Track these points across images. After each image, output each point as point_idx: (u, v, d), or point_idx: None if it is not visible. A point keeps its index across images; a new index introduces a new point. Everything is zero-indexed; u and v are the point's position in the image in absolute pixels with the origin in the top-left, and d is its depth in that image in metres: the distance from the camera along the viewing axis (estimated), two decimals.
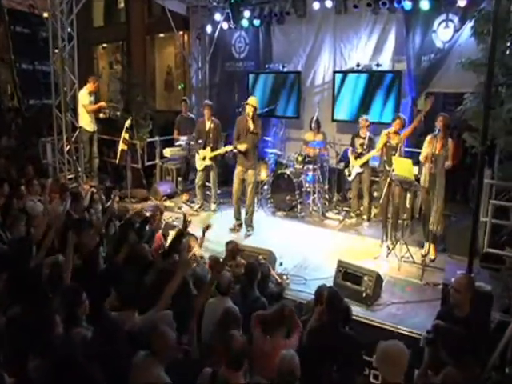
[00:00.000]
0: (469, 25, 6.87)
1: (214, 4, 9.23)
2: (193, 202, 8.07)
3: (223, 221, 7.06)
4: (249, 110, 6.34)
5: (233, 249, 4.53)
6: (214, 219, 7.32)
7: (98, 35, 15.52)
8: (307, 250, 6.02)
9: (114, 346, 2.61)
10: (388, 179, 5.70)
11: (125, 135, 6.79)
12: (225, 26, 9.28)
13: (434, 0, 7.11)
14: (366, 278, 4.57)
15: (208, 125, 7.44)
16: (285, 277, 4.98)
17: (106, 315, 3.06)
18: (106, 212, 5.34)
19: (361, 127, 7.11)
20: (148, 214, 5.65)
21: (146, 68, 14.45)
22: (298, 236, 6.61)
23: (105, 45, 15.99)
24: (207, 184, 7.90)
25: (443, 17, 7.28)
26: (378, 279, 4.63)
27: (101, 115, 7.51)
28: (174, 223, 6.85)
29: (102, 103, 7.52)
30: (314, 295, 3.82)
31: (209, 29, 9.60)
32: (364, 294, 4.53)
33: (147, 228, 5.20)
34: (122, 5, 15.46)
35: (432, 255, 5.83)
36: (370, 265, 5.60)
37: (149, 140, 8.84)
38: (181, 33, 11.99)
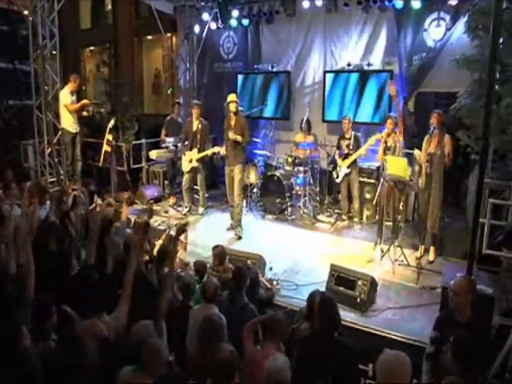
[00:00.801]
0: (460, 23, 6.82)
1: (202, 4, 9.03)
2: (180, 205, 7.82)
3: (211, 224, 6.83)
4: (232, 107, 6.32)
5: (219, 253, 4.29)
6: (202, 223, 7.08)
7: (85, 37, 15.31)
8: (298, 254, 5.81)
9: (81, 359, 2.36)
10: (382, 179, 5.52)
11: (108, 136, 6.53)
12: (213, 25, 9.09)
13: None
14: (360, 283, 4.36)
15: (196, 125, 7.22)
16: (275, 282, 4.75)
17: (73, 326, 2.79)
18: (88, 216, 5.10)
19: (345, 128, 6.97)
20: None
21: (133, 71, 14.25)
22: (288, 240, 6.40)
23: (92, 47, 15.77)
24: (195, 187, 7.67)
25: (435, 15, 7.17)
26: (373, 283, 4.42)
27: (84, 113, 7.22)
28: (161, 227, 6.59)
29: (85, 101, 7.24)
30: (305, 302, 3.59)
31: (197, 29, 9.40)
32: (358, 300, 4.31)
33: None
34: (109, 7, 15.27)
35: (431, 257, 5.66)
36: (364, 268, 5.40)
37: (135, 142, 8.58)
38: (169, 35, 11.84)
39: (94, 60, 15.76)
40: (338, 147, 7.05)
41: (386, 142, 5.90)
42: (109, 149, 6.59)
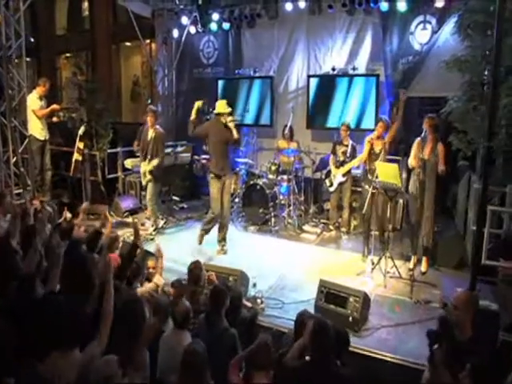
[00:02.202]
0: (447, 26, 6.68)
1: (181, 7, 8.69)
2: (158, 217, 7.37)
3: (192, 238, 6.27)
4: (223, 119, 5.80)
5: (196, 269, 3.88)
6: (182, 236, 6.62)
7: (61, 44, 14.84)
8: (283, 268, 5.41)
9: None
10: (371, 188, 5.20)
11: (79, 144, 6.07)
12: (192, 30, 8.75)
13: (411, 1, 6.81)
14: (351, 300, 3.99)
15: (150, 134, 6.57)
16: (259, 300, 4.34)
17: (33, 365, 2.32)
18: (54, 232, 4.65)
19: (343, 135, 6.62)
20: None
21: (111, 78, 13.85)
22: (272, 252, 6.01)
23: (68, 54, 15.31)
24: (175, 198, 7.22)
25: (421, 18, 6.99)
26: (366, 300, 4.05)
27: (54, 119, 6.71)
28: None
29: (55, 106, 6.72)
30: (293, 323, 3.21)
31: (175, 33, 9.04)
32: (350, 318, 3.93)
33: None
34: (86, 12, 14.87)
35: (424, 268, 5.37)
36: (354, 282, 5.06)
37: (110, 151, 8.11)
38: (148, 41, 11.48)
39: (70, 67, 15.27)
40: (334, 152, 6.71)
41: (372, 146, 5.60)
42: (79, 157, 6.12)
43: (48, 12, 14.92)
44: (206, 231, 6.07)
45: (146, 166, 6.55)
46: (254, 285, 4.64)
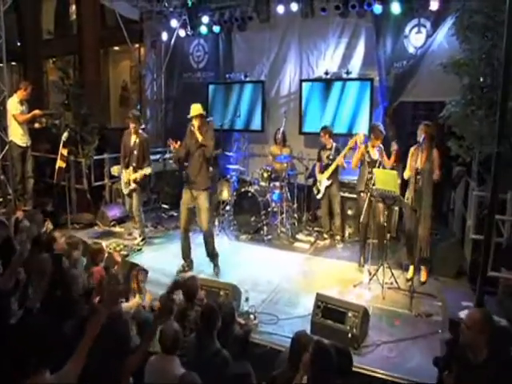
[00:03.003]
0: (442, 30, 6.55)
1: (170, 9, 8.47)
2: (146, 226, 7.10)
3: (178, 248, 5.72)
4: (195, 122, 5.14)
5: (192, 286, 3.61)
6: (169, 247, 6.30)
7: (48, 48, 14.54)
8: (277, 280, 5.18)
9: None
10: (368, 195, 5.00)
11: (62, 151, 5.77)
12: (182, 33, 8.54)
13: (406, 4, 6.67)
14: (350, 315, 3.76)
15: (133, 139, 6.26)
16: (252, 316, 4.09)
17: None
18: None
19: (324, 141, 6.47)
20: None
21: (99, 83, 13.54)
22: (265, 263, 5.76)
23: (55, 58, 15.01)
24: (165, 206, 6.94)
25: (415, 21, 6.86)
26: (365, 315, 3.83)
27: (36, 125, 6.39)
28: (123, 253, 5.87)
29: (36, 111, 6.39)
30: (289, 342, 2.97)
31: (164, 36, 8.81)
32: (349, 335, 3.70)
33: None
34: (74, 16, 14.61)
35: (423, 278, 5.20)
36: (350, 294, 4.87)
37: (97, 157, 7.82)
38: (137, 45, 11.24)
39: (57, 72, 14.94)
40: (319, 159, 6.53)
41: (368, 153, 5.41)
42: (63, 165, 5.82)
43: (34, 16, 14.60)
44: (182, 250, 5.49)
45: (130, 175, 6.19)
46: (247, 299, 4.39)
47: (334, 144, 6.40)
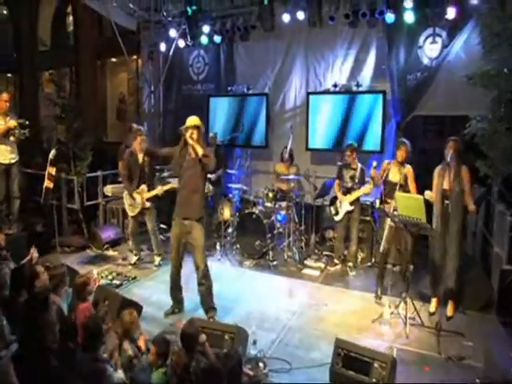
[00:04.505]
0: (459, 40, 6.14)
1: (169, 19, 8.06)
2: (141, 249, 6.59)
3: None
4: (191, 133, 4.31)
5: (192, 337, 3.09)
6: (161, 276, 5.66)
7: (44, 60, 14.16)
8: (286, 316, 4.64)
9: None
10: (389, 221, 4.50)
11: (50, 169, 5.28)
12: (181, 43, 8.10)
13: (420, 12, 6.25)
14: (376, 365, 3.22)
15: (141, 157, 5.84)
16: (261, 364, 3.55)
17: None
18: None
19: (348, 158, 5.87)
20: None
21: (96, 95, 13.19)
22: (272, 294, 5.21)
23: (51, 70, 14.62)
24: (163, 226, 6.44)
25: (430, 31, 6.43)
26: (393, 366, 3.29)
27: (11, 138, 5.83)
28: (115, 282, 5.35)
29: (10, 123, 5.80)
30: None
31: (162, 47, 8.38)
32: None
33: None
34: (71, 28, 14.28)
35: (450, 312, 4.67)
36: (369, 332, 4.36)
37: (90, 175, 7.32)
38: (134, 57, 10.87)
39: (53, 84, 14.57)
40: (340, 177, 5.99)
41: (387, 173, 4.91)
42: (51, 185, 5.32)
43: (31, 27, 14.27)
44: (171, 288, 4.69)
45: (143, 194, 5.80)
46: (254, 342, 3.84)
47: (360, 165, 5.86)
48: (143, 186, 5.83)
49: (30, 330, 3.23)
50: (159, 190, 5.81)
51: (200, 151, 4.28)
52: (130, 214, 5.99)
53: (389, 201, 4.80)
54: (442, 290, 4.67)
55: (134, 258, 6.16)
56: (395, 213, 4.34)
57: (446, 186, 4.39)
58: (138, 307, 4.19)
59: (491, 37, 4.48)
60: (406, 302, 4.44)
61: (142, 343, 3.53)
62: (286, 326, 4.40)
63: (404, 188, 4.70)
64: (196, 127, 4.34)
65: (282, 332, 4.29)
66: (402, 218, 4.24)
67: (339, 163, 6.12)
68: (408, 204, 4.13)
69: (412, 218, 4.10)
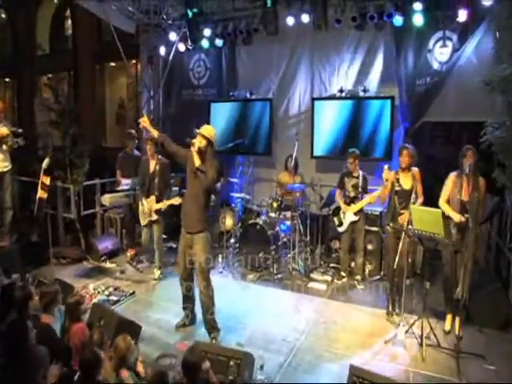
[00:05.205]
0: (471, 43, 5.89)
1: (169, 22, 7.82)
2: (141, 260, 6.33)
3: (177, 292, 4.67)
4: (198, 141, 4.08)
5: (192, 363, 2.83)
6: (164, 292, 5.45)
7: (43, 64, 13.97)
8: (293, 336, 4.36)
9: None
10: (402, 236, 4.24)
11: (43, 179, 5.02)
12: (181, 47, 7.84)
13: (430, 15, 6.00)
14: None
15: (153, 165, 5.72)
16: None
17: None
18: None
19: (350, 165, 5.68)
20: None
21: (94, 100, 12.96)
22: (277, 311, 4.92)
23: (50, 74, 14.40)
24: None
25: (440, 34, 6.19)
26: None
27: (4, 147, 5.58)
28: (112, 298, 5.07)
29: (3, 131, 5.54)
30: None
31: (162, 51, 8.13)
32: None
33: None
34: (69, 31, 14.06)
35: (457, 331, 4.33)
36: (383, 354, 4.10)
37: (87, 183, 7.05)
38: (133, 61, 10.64)
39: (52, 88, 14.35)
40: (341, 186, 5.76)
41: (398, 182, 4.65)
42: (44, 195, 5.05)
43: (29, 31, 14.10)
44: (183, 298, 4.54)
45: (151, 204, 5.68)
46: (261, 367, 3.58)
47: (361, 172, 5.64)
48: (152, 197, 5.69)
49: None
50: (163, 204, 5.62)
51: (197, 163, 4.07)
52: (142, 222, 5.88)
53: (403, 212, 4.54)
54: (455, 306, 4.42)
55: (157, 273, 5.85)
56: (410, 226, 4.08)
57: (464, 197, 4.15)
58: (136, 328, 3.94)
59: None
60: (422, 322, 4.18)
61: (140, 369, 3.28)
62: (295, 348, 4.13)
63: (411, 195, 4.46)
64: (203, 137, 4.09)
65: (290, 354, 4.02)
66: (417, 233, 3.98)
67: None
68: (424, 217, 3.86)
69: (431, 233, 3.83)
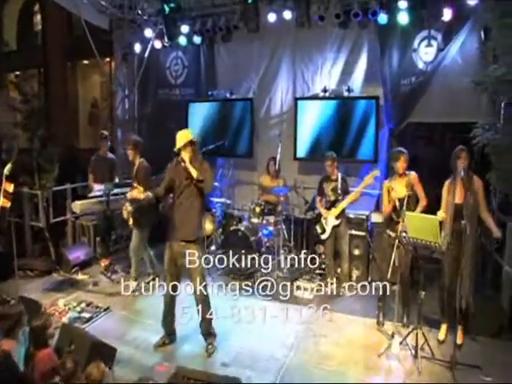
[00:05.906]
0: (456, 43, 5.77)
1: (145, 18, 7.46)
2: (115, 271, 5.96)
3: (157, 307, 4.39)
4: (185, 154, 3.88)
5: None
6: (136, 305, 5.09)
7: (10, 61, 13.30)
8: (281, 352, 4.10)
9: None
10: (396, 243, 4.03)
11: (6, 186, 4.60)
12: (157, 44, 7.54)
13: (415, 13, 5.86)
14: None
15: (135, 169, 5.42)
16: None
17: None
18: None
19: (329, 170, 5.46)
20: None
21: (66, 99, 12.41)
22: (262, 325, 4.63)
23: (18, 72, 13.76)
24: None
25: (425, 33, 6.05)
26: None
27: None
28: (84, 315, 4.68)
29: None
30: None
31: (137, 48, 7.80)
32: None
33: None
34: (39, 27, 13.45)
35: (460, 340, 4.22)
36: (378, 369, 3.91)
37: (56, 188, 6.62)
38: (107, 59, 10.19)
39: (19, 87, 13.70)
40: (320, 193, 5.54)
41: (393, 190, 4.43)
42: (7, 204, 4.63)
43: None
44: (163, 316, 4.24)
45: (126, 207, 5.32)
46: None
47: (340, 174, 5.43)
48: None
49: None
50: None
51: (195, 175, 3.88)
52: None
53: (399, 220, 4.34)
54: (452, 315, 4.24)
55: (133, 285, 5.41)
56: (404, 234, 3.87)
57: (457, 200, 3.97)
58: (111, 351, 3.60)
59: (503, 38, 4.07)
60: (417, 333, 3.98)
61: None
62: (284, 366, 3.86)
63: (412, 198, 4.25)
64: (190, 143, 3.91)
65: (279, 373, 3.75)
66: (412, 241, 3.77)
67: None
68: (420, 225, 3.66)
69: (426, 241, 3.63)
